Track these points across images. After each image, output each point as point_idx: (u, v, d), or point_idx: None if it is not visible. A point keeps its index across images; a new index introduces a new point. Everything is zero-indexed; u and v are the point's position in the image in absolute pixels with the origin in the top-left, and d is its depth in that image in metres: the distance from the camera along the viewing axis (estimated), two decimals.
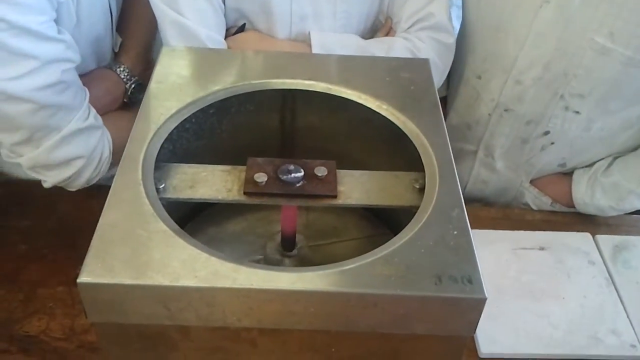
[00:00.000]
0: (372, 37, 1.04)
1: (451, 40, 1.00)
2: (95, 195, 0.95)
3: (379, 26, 1.05)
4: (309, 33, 0.97)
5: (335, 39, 0.97)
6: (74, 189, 0.92)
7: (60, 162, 0.85)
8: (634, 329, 0.83)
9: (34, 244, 0.89)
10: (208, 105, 0.67)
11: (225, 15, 0.97)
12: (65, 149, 0.83)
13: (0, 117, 0.77)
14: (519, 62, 0.93)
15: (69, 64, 0.81)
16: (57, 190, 0.95)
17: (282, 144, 0.78)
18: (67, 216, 0.94)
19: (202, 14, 0.93)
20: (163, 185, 0.60)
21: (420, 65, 0.75)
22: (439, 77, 1.01)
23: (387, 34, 1.02)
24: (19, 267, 0.86)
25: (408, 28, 0.99)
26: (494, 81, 0.98)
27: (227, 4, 0.97)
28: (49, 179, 0.87)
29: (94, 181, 0.93)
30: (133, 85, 1.00)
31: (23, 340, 0.77)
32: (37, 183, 0.87)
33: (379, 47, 0.97)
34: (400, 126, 0.66)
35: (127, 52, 1.03)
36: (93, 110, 0.87)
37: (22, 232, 0.91)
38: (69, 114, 0.82)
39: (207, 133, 0.71)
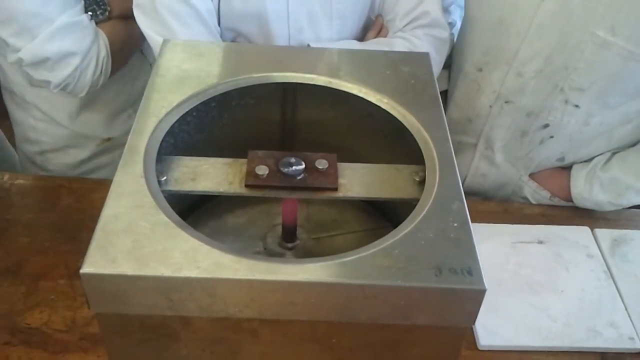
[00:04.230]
0: (363, 35, 1.04)
1: (446, 34, 1.02)
2: (96, 189, 0.96)
3: (369, 24, 1.05)
4: (308, 46, 0.97)
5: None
6: (82, 93, 0.97)
7: (56, 56, 0.90)
8: (632, 321, 0.83)
9: (36, 236, 0.89)
10: (209, 99, 0.67)
11: (221, 36, 0.97)
12: (60, 42, 0.89)
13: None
14: (521, 55, 0.93)
15: None
16: (59, 184, 0.95)
17: (283, 137, 0.78)
18: (69, 209, 0.94)
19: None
20: (165, 177, 0.60)
21: (420, 59, 0.75)
22: (436, 69, 1.02)
23: (379, 32, 1.03)
24: (21, 260, 0.86)
25: (403, 27, 1.00)
26: (495, 73, 0.98)
27: (222, 24, 0.96)
28: (52, 79, 0.92)
29: (100, 83, 0.98)
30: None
31: (25, 333, 0.78)
32: (40, 176, 0.88)
33: (379, 49, 0.97)
34: (401, 119, 0.66)
35: None
36: (87, 15, 0.92)
37: (24, 225, 0.91)
38: (62, 7, 0.88)
39: (209, 126, 0.71)
